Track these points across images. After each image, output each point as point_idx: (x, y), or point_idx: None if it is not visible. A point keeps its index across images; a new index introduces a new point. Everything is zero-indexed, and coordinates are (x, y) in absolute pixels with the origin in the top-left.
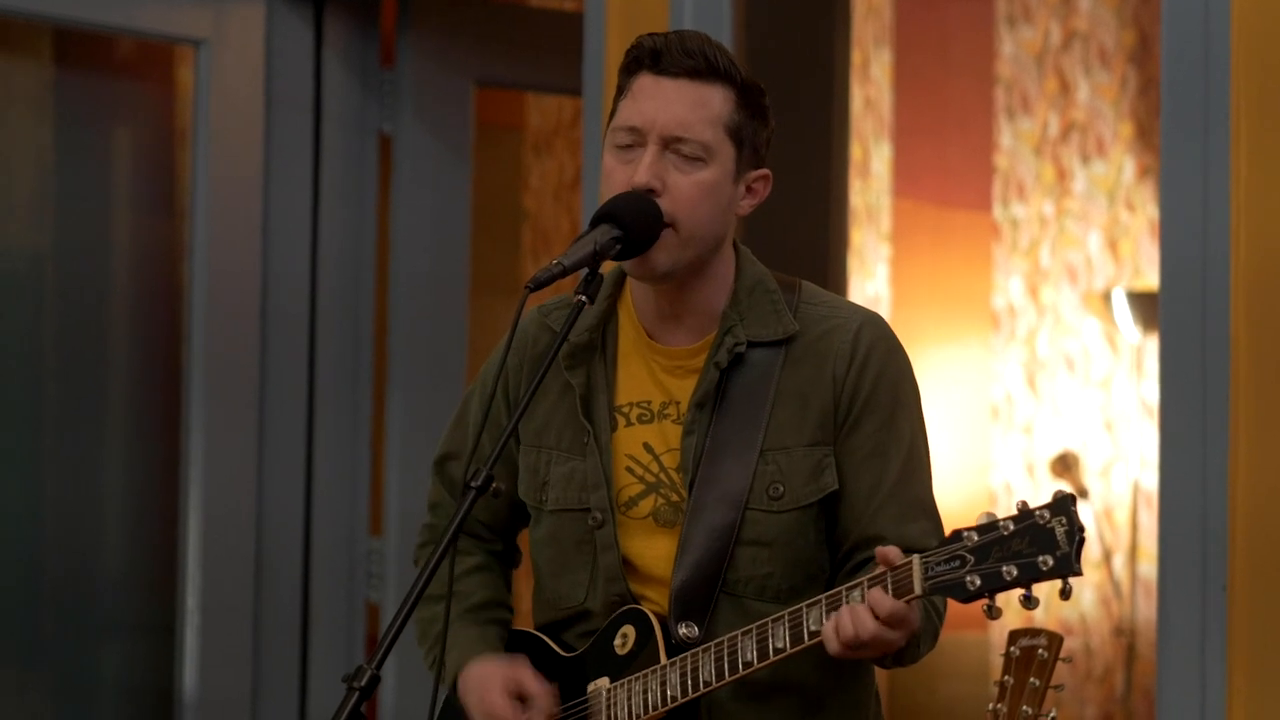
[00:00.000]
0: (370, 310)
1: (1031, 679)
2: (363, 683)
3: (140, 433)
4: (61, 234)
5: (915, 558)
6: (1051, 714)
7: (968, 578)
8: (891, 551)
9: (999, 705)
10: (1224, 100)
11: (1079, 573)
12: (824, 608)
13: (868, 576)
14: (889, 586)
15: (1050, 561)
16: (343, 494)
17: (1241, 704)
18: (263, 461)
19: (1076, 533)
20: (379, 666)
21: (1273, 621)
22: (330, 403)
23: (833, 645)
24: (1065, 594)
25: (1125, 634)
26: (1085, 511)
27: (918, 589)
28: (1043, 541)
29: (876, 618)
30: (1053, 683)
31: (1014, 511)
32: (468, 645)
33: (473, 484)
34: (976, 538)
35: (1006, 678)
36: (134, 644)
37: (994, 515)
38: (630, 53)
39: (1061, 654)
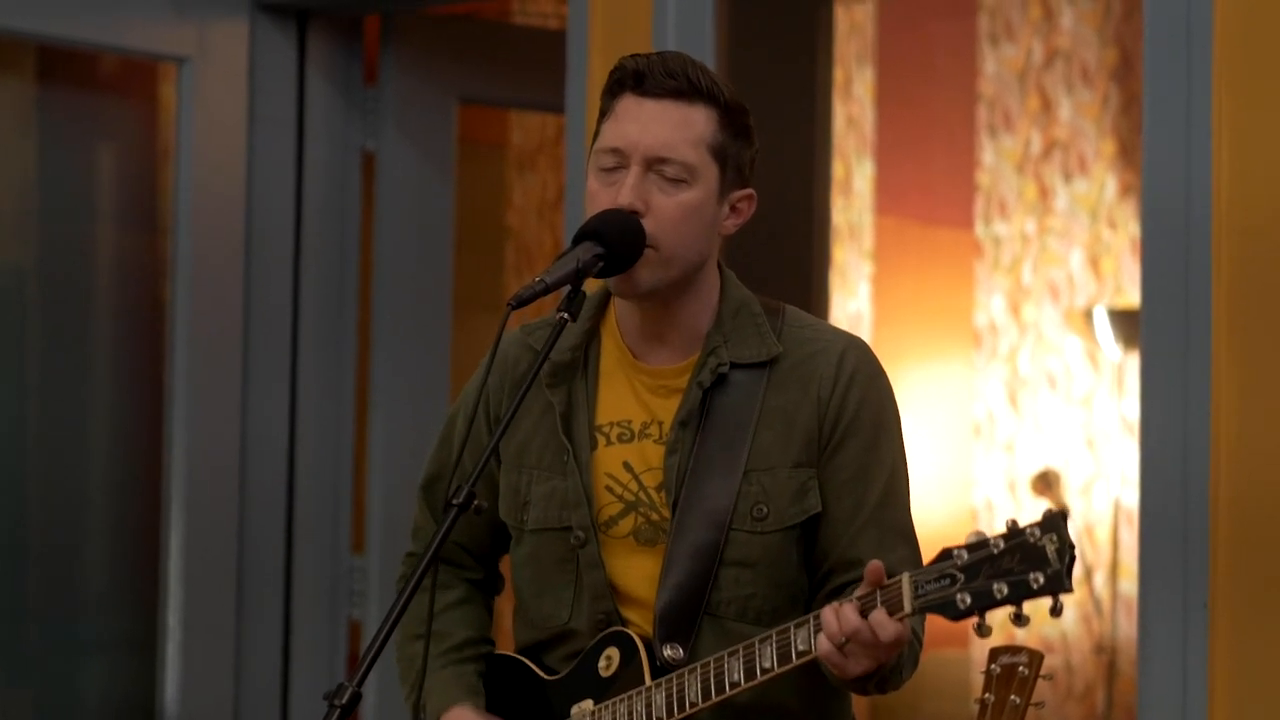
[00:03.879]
0: (353, 327)
1: (1012, 696)
2: (344, 700)
3: (122, 449)
4: (44, 251)
5: (905, 575)
6: None
7: (958, 595)
8: (880, 569)
9: None
10: (1205, 117)
11: (1070, 590)
12: (811, 628)
13: (856, 594)
14: (879, 604)
15: (1041, 579)
16: (325, 511)
17: None
18: (245, 477)
19: (1067, 550)
20: (360, 684)
21: (1254, 639)
22: (312, 419)
23: (823, 648)
24: (1056, 611)
25: (1106, 651)
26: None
27: (908, 607)
28: (1033, 559)
29: (875, 634)
30: (1033, 700)
31: (1003, 529)
32: (445, 689)
33: (454, 501)
34: (966, 556)
35: (987, 695)
36: (116, 661)
37: (984, 534)
38: (613, 74)
39: (1042, 671)
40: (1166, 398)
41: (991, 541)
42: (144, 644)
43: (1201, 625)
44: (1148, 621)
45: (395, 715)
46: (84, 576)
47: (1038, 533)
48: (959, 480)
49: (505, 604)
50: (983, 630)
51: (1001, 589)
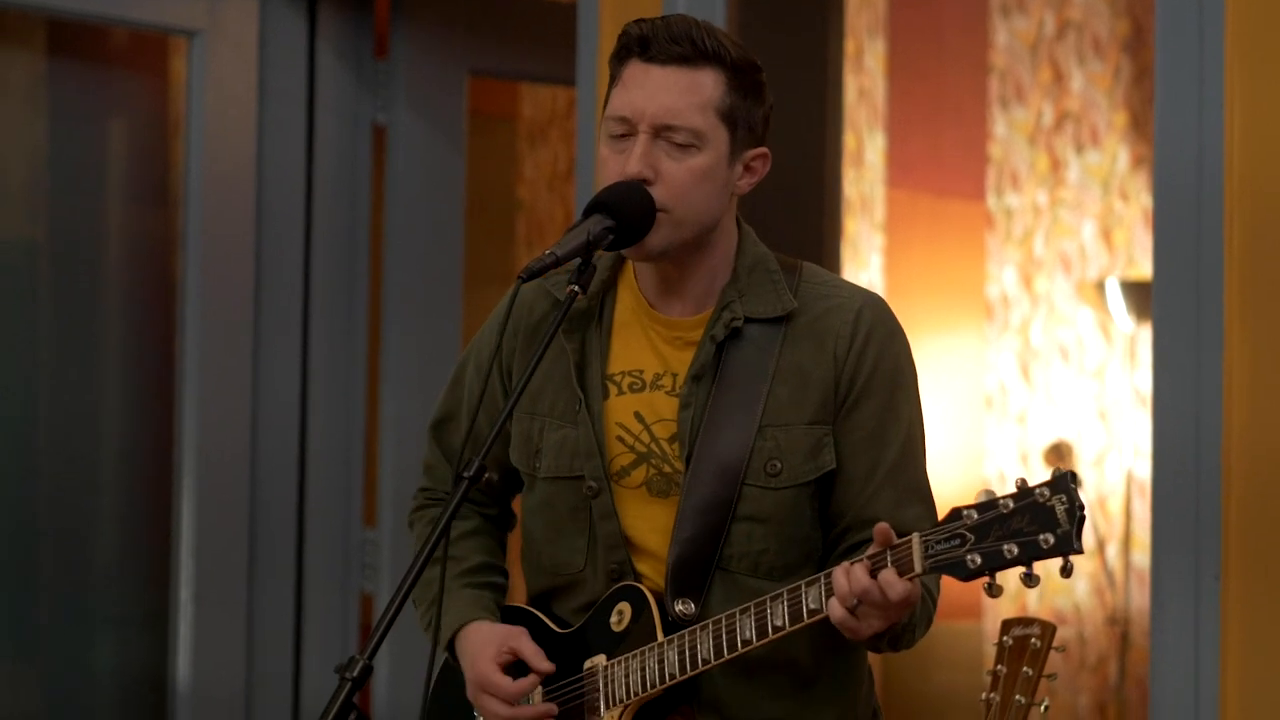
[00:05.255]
0: (364, 301)
1: (1025, 668)
2: (355, 673)
3: (133, 424)
4: (55, 225)
5: (915, 536)
6: (1044, 703)
7: (968, 556)
8: (889, 529)
9: (992, 694)
10: (1217, 89)
11: (1080, 550)
12: (823, 586)
13: (867, 554)
14: (889, 564)
15: (1051, 539)
16: (336, 485)
17: (1235, 692)
18: (257, 452)
19: (1077, 510)
20: (372, 657)
21: (1266, 610)
22: (323, 393)
23: (835, 612)
24: (1066, 572)
25: (1119, 623)
26: None
27: (918, 567)
28: (1043, 519)
29: (884, 594)
30: (1046, 672)
31: (1012, 489)
32: (463, 608)
33: (465, 474)
34: (976, 516)
35: (1000, 667)
36: (128, 635)
37: (993, 493)
38: (619, 40)
39: (1055, 643)
40: (1178, 369)
41: (1001, 502)
42: (156, 618)
43: (1214, 596)
44: (1160, 593)
45: (407, 688)
46: (96, 551)
47: (1047, 493)
48: (971, 452)
49: (516, 570)
50: (993, 590)
51: (1012, 549)
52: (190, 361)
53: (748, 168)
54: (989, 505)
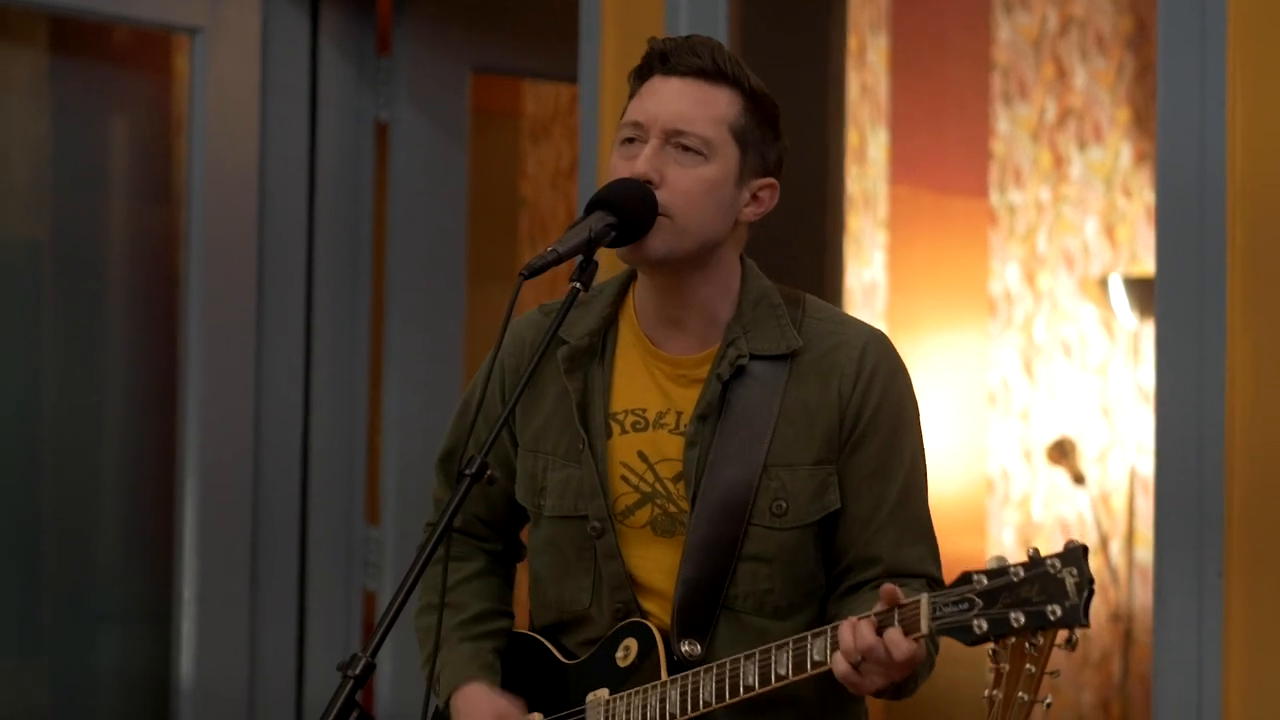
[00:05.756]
0: (367, 298)
1: (1028, 665)
2: (357, 671)
3: (137, 421)
4: (58, 223)
5: (924, 597)
6: (1047, 700)
7: (974, 621)
8: (896, 590)
9: (995, 691)
10: (1220, 85)
11: (1086, 624)
12: (828, 640)
13: (874, 611)
14: (895, 624)
15: (1058, 611)
16: (339, 482)
17: (1238, 689)
18: (259, 449)
19: (1086, 584)
20: (374, 655)
21: (1269, 606)
22: (327, 390)
23: (839, 666)
24: (1072, 645)
25: (1122, 620)
26: (1082, 497)
27: (924, 628)
28: (1052, 590)
29: (889, 652)
30: (1049, 669)
31: (1024, 558)
32: (460, 666)
33: (467, 472)
34: (986, 581)
35: (1003, 664)
36: (131, 632)
37: (1005, 560)
38: (643, 58)
39: (1057, 640)
40: (1182, 365)
41: (1012, 569)
42: (159, 616)
43: (1216, 592)
44: (1163, 589)
45: (410, 686)
46: (100, 549)
47: (1058, 564)
48: (974, 449)
49: (522, 587)
50: (997, 657)
51: (1019, 618)
52: (193, 358)
53: (755, 196)
54: (999, 572)
